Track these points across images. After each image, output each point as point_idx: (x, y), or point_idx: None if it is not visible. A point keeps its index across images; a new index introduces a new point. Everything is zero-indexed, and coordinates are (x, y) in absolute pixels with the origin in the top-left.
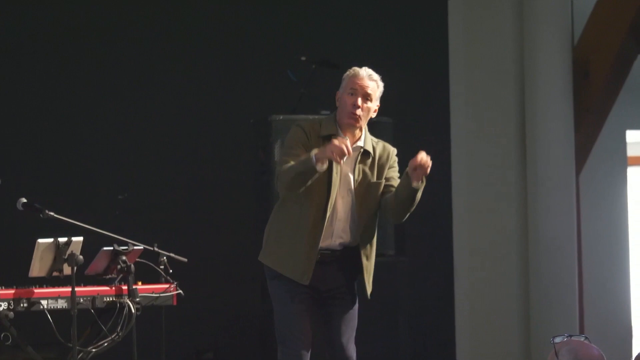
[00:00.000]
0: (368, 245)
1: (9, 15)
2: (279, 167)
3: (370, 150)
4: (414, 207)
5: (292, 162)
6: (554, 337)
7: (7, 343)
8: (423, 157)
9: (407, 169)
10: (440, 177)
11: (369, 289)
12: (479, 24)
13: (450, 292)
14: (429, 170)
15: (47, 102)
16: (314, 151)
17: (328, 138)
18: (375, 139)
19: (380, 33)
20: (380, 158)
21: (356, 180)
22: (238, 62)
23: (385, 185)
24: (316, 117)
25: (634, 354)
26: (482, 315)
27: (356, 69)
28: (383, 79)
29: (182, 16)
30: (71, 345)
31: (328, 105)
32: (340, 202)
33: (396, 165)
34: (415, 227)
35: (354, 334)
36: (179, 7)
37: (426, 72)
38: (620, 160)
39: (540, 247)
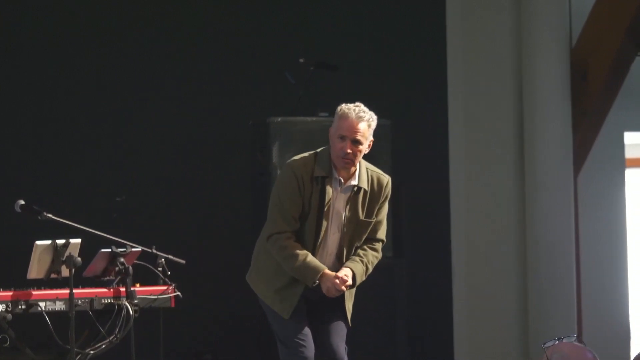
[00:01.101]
0: None
1: (9, 15)
2: (272, 226)
3: (365, 186)
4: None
5: (286, 231)
6: (544, 342)
7: (5, 345)
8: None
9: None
10: (438, 178)
11: (349, 315)
12: (477, 25)
13: (449, 293)
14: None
15: (45, 104)
16: (318, 275)
17: (322, 179)
18: (371, 168)
19: (378, 35)
20: (372, 192)
21: (346, 217)
22: (236, 64)
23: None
24: (312, 152)
25: (632, 355)
26: (480, 316)
27: (345, 109)
28: (381, 81)
29: (180, 18)
30: (69, 347)
31: (326, 107)
32: (331, 238)
33: (387, 203)
34: (414, 229)
35: (345, 336)
36: (178, 9)
37: (424, 74)
38: (619, 162)
39: (539, 249)
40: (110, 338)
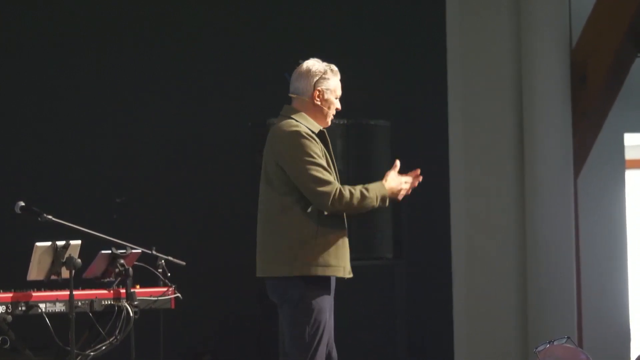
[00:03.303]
0: None
1: (9, 15)
2: (325, 187)
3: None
4: None
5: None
6: (536, 347)
7: (5, 346)
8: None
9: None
10: (437, 180)
11: None
12: (476, 27)
13: (449, 295)
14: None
15: (45, 104)
16: (386, 192)
17: (322, 132)
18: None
19: (378, 35)
20: None
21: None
22: (236, 65)
23: None
24: (291, 119)
25: (632, 357)
26: (480, 317)
27: (335, 68)
28: (381, 81)
29: (180, 18)
30: (69, 348)
31: None
32: None
33: None
34: (413, 230)
35: None
36: (178, 9)
37: (424, 75)
38: (619, 164)
39: (539, 250)
40: (111, 339)
